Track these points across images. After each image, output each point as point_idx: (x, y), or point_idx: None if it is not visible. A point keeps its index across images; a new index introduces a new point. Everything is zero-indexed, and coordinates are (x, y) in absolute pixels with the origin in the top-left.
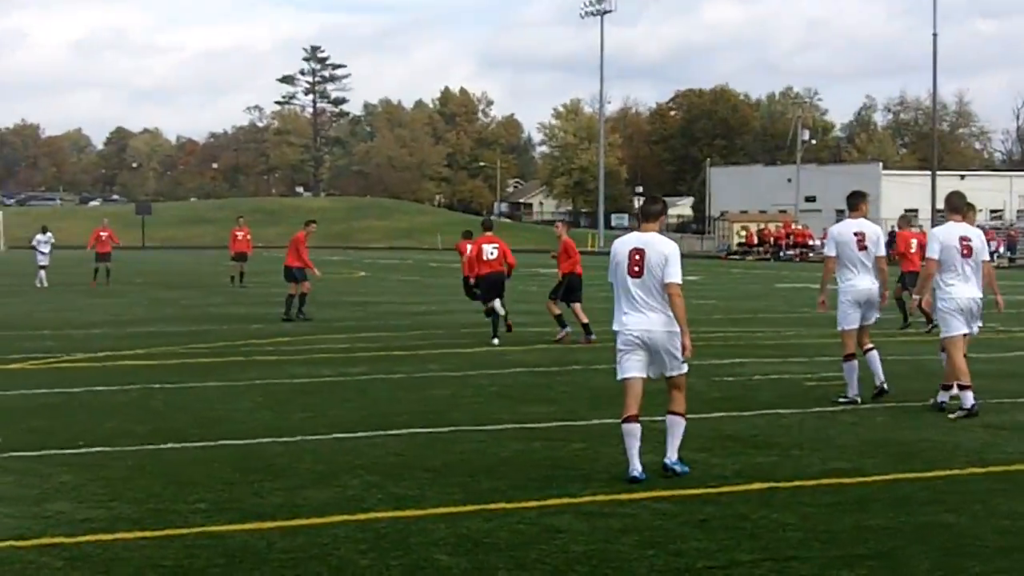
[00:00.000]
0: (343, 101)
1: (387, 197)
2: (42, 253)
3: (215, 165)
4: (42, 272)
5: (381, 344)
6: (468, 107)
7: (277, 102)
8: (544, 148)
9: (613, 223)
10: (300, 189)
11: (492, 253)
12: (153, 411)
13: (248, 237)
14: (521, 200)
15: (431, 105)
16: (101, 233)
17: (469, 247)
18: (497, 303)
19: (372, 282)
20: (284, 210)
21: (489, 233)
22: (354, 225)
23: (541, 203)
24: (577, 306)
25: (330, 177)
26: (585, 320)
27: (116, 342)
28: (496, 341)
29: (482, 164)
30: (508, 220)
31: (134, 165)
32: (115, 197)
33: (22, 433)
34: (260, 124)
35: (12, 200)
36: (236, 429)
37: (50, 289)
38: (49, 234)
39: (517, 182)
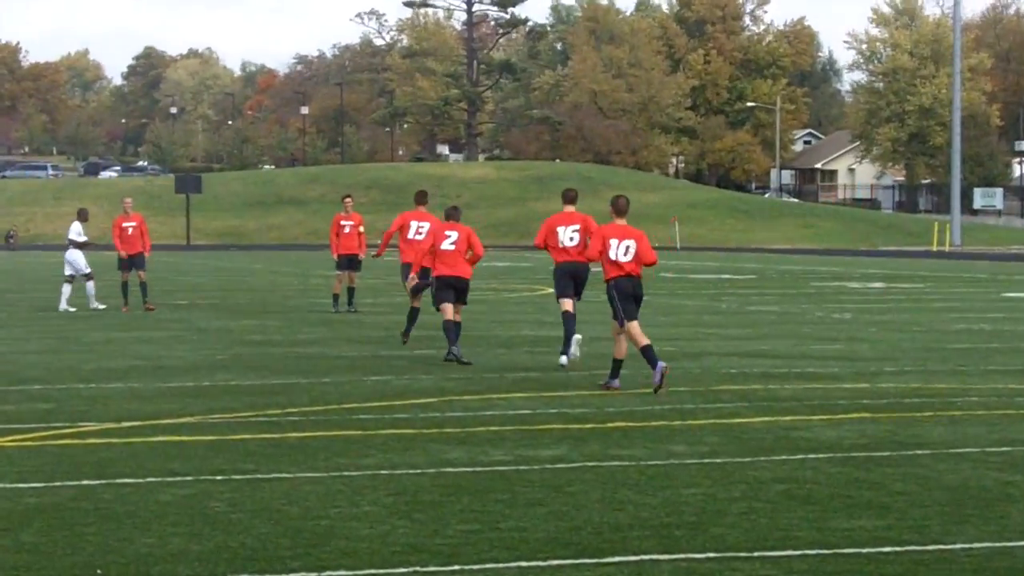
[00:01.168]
0: (517, 1)
1: (590, 161)
2: (75, 245)
3: (304, 110)
4: (67, 289)
5: (590, 408)
6: (728, 8)
7: (407, 3)
8: (857, 76)
9: (978, 203)
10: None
11: (572, 238)
12: (214, 519)
13: (360, 229)
14: (817, 166)
15: (665, 7)
16: (125, 224)
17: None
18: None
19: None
20: (418, 183)
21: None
22: (533, 208)
23: (851, 169)
24: None
25: (494, 129)
26: None
27: (149, 403)
28: (564, 360)
29: (751, 104)
30: (794, 200)
31: (173, 110)
32: (142, 164)
33: (2, 555)
34: (379, 42)
35: None
36: (355, 551)
37: (44, 316)
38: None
39: (810, 136)
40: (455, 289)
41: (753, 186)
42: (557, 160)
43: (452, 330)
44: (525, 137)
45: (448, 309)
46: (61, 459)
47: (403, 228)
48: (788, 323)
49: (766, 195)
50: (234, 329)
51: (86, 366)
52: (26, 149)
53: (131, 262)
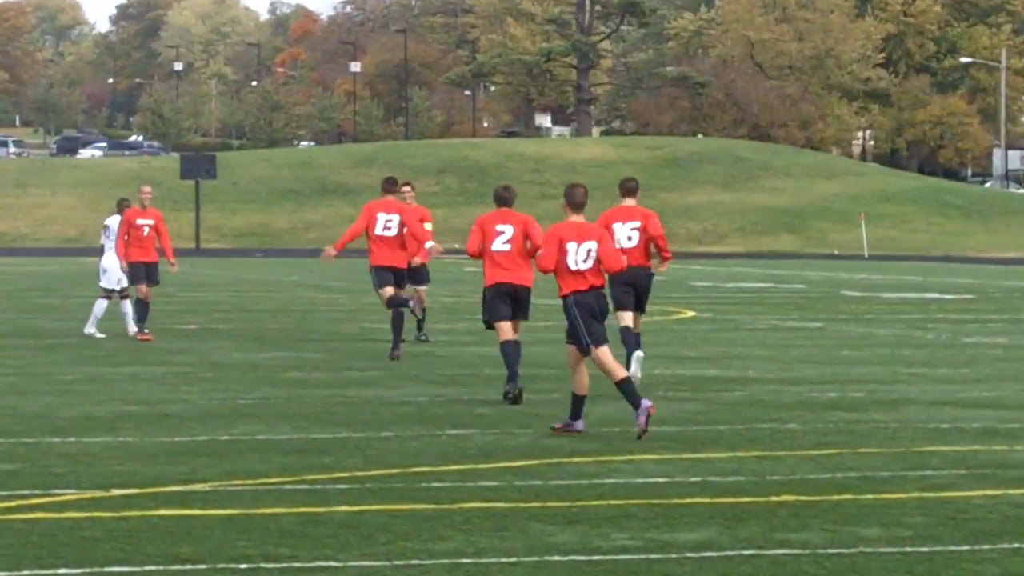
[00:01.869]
0: None
1: (744, 137)
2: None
3: (355, 67)
4: (100, 307)
5: (746, 475)
6: None
7: None
8: None
9: None
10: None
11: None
12: None
13: (428, 227)
14: None
15: None
16: (140, 222)
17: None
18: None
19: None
20: (507, 166)
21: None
22: (666, 199)
23: None
24: None
25: (613, 92)
26: None
27: (148, 464)
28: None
29: (966, 60)
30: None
31: (177, 67)
32: (135, 139)
33: None
34: None
35: None
36: None
37: (3, 345)
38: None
39: None
40: (513, 300)
41: (969, 172)
42: (699, 135)
43: (513, 354)
44: (655, 104)
45: (506, 328)
46: (29, 539)
47: (369, 223)
48: (1019, 361)
49: (986, 184)
50: (261, 364)
51: (63, 413)
52: None
53: (146, 271)
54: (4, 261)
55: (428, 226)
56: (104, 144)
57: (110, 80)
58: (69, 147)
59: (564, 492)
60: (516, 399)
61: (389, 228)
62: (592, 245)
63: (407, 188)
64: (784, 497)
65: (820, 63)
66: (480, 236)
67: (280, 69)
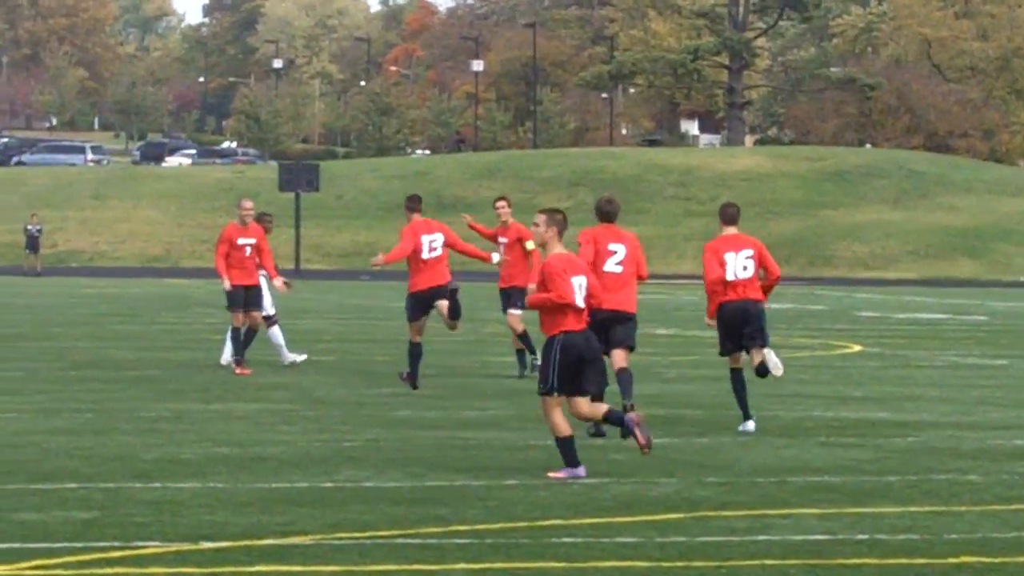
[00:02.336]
0: None
1: (920, 148)
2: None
3: (478, 65)
4: (276, 334)
5: (919, 533)
6: None
7: None
8: None
9: None
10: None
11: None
12: None
13: (530, 246)
14: None
15: None
16: (241, 241)
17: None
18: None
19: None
20: (648, 178)
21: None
22: (828, 217)
23: None
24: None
25: (769, 96)
26: None
27: (240, 514)
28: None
29: None
30: None
31: (276, 64)
32: (228, 145)
33: None
34: None
35: None
36: None
37: (81, 376)
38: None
39: None
40: (619, 325)
41: None
42: (867, 145)
43: (627, 382)
44: (818, 109)
45: (620, 356)
46: None
47: (416, 247)
48: None
49: None
50: (368, 401)
51: (145, 455)
52: (53, 122)
53: (247, 297)
54: (80, 282)
55: (531, 244)
56: (193, 151)
57: (201, 79)
58: (154, 154)
59: (712, 550)
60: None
61: (435, 249)
62: (583, 280)
63: (502, 204)
64: (964, 558)
65: (1006, 64)
66: (592, 252)
67: (392, 67)
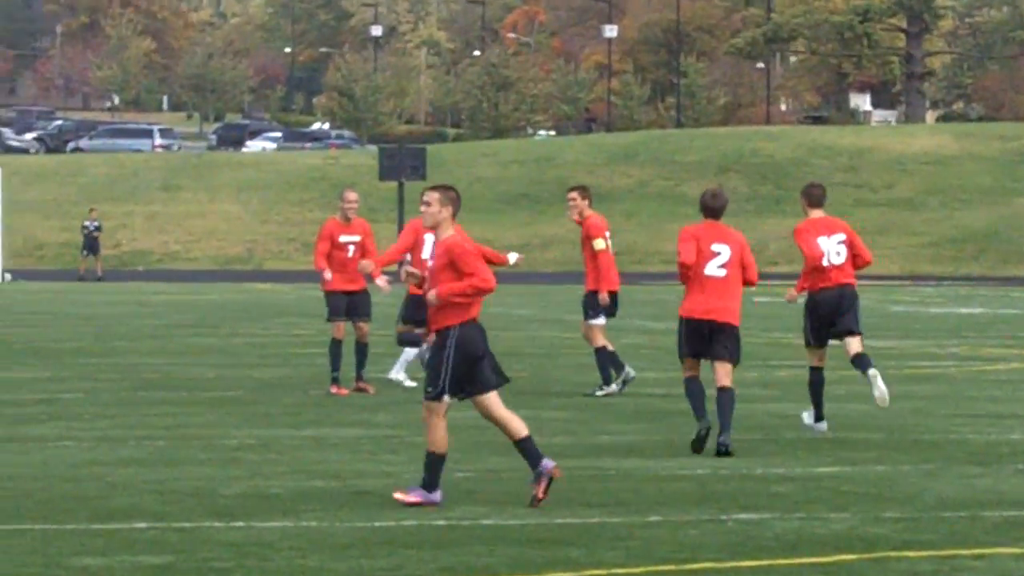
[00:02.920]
0: None
1: None
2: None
3: (611, 30)
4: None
5: None
6: None
7: None
8: None
9: None
10: (863, 102)
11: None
12: None
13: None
14: None
15: None
16: (343, 239)
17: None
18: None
19: None
20: (810, 161)
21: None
22: (1022, 204)
23: None
24: None
25: (953, 64)
26: None
27: (341, 557)
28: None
29: None
30: None
31: (375, 32)
32: (319, 126)
33: None
34: None
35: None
36: None
37: (149, 396)
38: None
39: None
40: (722, 335)
41: None
42: None
43: (728, 407)
44: (1011, 80)
45: (724, 371)
46: None
47: (417, 245)
48: None
49: None
50: (486, 425)
51: (227, 489)
52: (115, 101)
53: (350, 304)
54: (148, 288)
55: (599, 243)
56: (278, 134)
57: (287, 50)
58: (233, 138)
59: None
60: (699, 443)
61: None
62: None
63: (574, 195)
64: None
65: None
66: (695, 250)
67: (511, 35)
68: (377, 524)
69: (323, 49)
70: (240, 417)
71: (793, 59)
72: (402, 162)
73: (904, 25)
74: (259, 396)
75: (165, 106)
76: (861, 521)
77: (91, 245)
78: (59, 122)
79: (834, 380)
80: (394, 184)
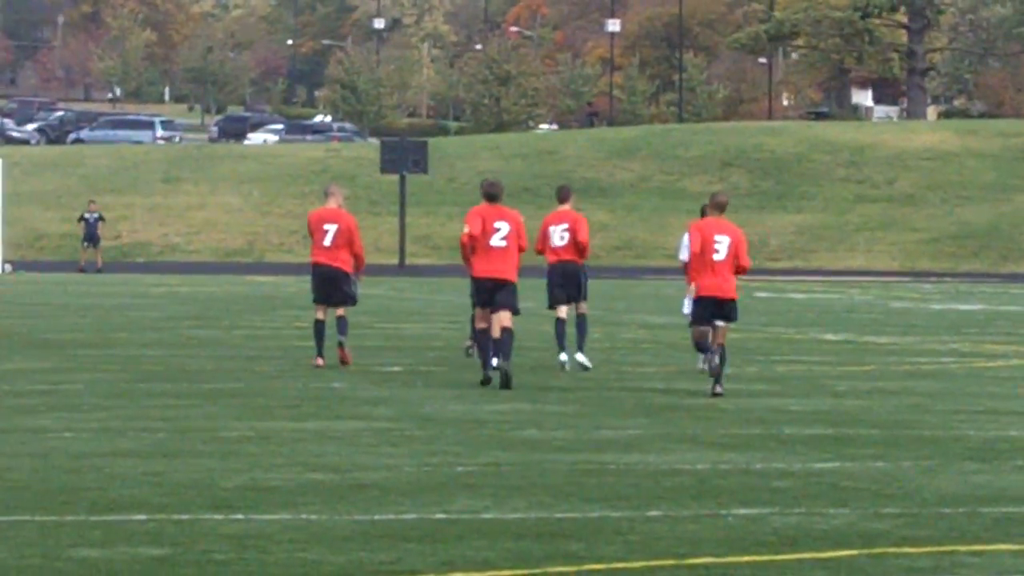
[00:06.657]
0: None
1: None
2: None
3: (613, 25)
4: None
5: None
6: None
7: None
8: None
9: None
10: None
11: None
12: None
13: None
14: None
15: None
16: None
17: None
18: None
19: None
20: (813, 158)
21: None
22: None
23: None
24: None
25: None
26: None
27: (345, 550)
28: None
29: None
30: None
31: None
32: (322, 119)
33: None
34: None
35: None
36: None
37: (149, 388)
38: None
39: None
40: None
41: None
42: None
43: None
44: (1013, 76)
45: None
46: None
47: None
48: None
49: None
50: (487, 419)
51: (226, 481)
52: (117, 92)
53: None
54: (149, 280)
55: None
56: (280, 126)
57: (289, 42)
58: (234, 130)
59: None
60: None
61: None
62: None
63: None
64: None
65: None
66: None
67: (513, 28)
68: (377, 517)
69: (325, 42)
70: (240, 409)
71: (795, 54)
72: (404, 155)
73: (906, 21)
74: (259, 388)
75: (167, 98)
76: (861, 517)
77: (91, 237)
78: (60, 113)
79: (834, 375)
80: (395, 177)
